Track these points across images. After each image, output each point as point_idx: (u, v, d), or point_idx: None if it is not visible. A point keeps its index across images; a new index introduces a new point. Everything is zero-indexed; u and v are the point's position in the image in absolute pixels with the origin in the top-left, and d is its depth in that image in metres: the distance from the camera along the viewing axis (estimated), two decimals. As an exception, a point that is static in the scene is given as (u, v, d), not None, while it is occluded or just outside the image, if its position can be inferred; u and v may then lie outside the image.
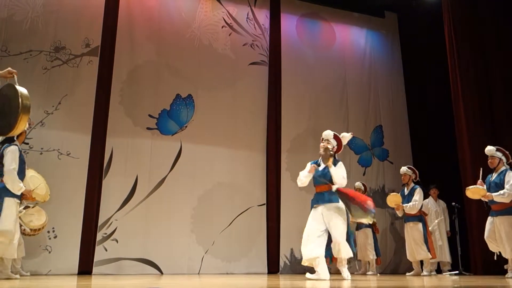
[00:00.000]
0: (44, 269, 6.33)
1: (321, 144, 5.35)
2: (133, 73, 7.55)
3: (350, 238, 5.12)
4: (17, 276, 4.92)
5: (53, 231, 6.48)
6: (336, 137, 5.41)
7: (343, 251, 4.96)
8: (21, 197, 4.90)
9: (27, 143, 6.59)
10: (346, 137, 5.46)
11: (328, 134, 5.39)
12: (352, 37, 9.55)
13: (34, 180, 5.33)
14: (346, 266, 5.09)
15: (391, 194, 7.08)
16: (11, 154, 4.72)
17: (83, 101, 7.08)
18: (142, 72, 7.63)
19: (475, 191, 5.76)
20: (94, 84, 7.19)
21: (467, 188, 5.88)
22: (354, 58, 9.33)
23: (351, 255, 5.06)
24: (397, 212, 7.00)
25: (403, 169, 7.14)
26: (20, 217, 5.36)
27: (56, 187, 6.58)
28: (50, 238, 6.46)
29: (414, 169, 7.14)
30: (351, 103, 9.03)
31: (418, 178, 7.08)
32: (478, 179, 5.92)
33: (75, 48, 7.24)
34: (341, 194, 5.03)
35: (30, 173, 5.31)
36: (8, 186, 4.65)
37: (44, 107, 6.89)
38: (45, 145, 6.76)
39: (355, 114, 9.00)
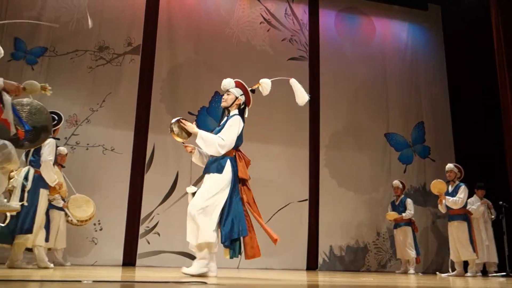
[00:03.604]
0: (91, 260, 6.59)
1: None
2: (173, 71, 7.71)
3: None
4: (52, 265, 5.11)
5: (99, 224, 6.73)
6: (240, 85, 4.20)
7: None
8: (49, 189, 5.03)
9: (74, 140, 6.87)
10: (265, 83, 4.28)
11: (228, 83, 4.17)
12: (392, 31, 9.37)
13: (58, 175, 5.48)
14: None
15: (438, 180, 6.80)
16: (50, 146, 4.85)
17: (126, 98, 7.30)
18: (182, 70, 7.77)
19: None
20: (136, 82, 7.41)
21: None
22: (395, 53, 9.15)
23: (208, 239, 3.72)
24: (439, 205, 6.81)
25: (450, 165, 6.95)
26: (67, 208, 5.59)
27: (101, 181, 6.84)
28: (96, 231, 6.71)
29: (461, 167, 6.94)
30: (391, 99, 8.87)
31: (462, 177, 6.90)
32: None
33: (118, 47, 7.47)
34: None
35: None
36: (45, 177, 4.77)
37: (89, 105, 7.15)
38: (90, 141, 7.02)
39: (395, 110, 8.84)
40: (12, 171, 4.43)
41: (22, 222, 4.61)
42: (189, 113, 7.62)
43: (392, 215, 7.58)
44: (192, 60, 7.86)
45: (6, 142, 3.10)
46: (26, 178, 4.75)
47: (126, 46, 7.52)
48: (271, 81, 4.30)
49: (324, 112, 8.33)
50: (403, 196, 7.78)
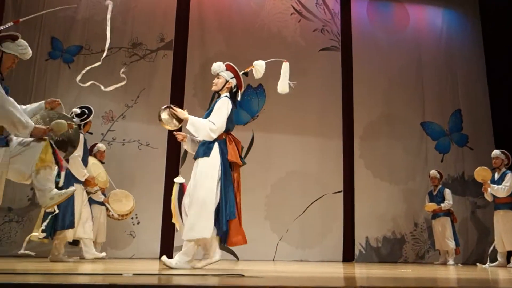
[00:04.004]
0: (129, 253, 6.75)
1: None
2: (205, 66, 7.74)
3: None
4: (104, 254, 5.26)
5: (136, 218, 6.88)
6: (230, 68, 4.11)
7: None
8: (84, 184, 5.13)
9: (111, 136, 7.03)
10: (258, 65, 4.16)
11: (218, 66, 4.10)
12: (427, 17, 9.12)
13: (95, 168, 5.59)
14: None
15: (482, 167, 6.55)
16: None
17: (159, 94, 7.40)
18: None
19: None
20: (169, 77, 7.50)
21: None
22: (430, 40, 8.91)
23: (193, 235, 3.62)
24: (485, 194, 6.60)
25: (496, 152, 6.71)
26: (108, 202, 5.74)
27: (138, 175, 6.99)
28: (133, 224, 6.86)
29: (508, 154, 6.71)
30: (427, 86, 8.66)
31: (510, 164, 6.67)
32: None
33: (151, 43, 7.57)
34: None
35: (91, 161, 5.49)
36: (73, 172, 4.89)
37: (124, 101, 7.29)
38: (126, 136, 7.17)
39: (431, 98, 8.63)
40: None
41: (63, 218, 4.76)
42: (222, 106, 7.66)
43: (430, 206, 7.42)
44: (224, 53, 7.87)
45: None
46: (58, 175, 4.91)
47: (159, 42, 7.61)
48: (266, 62, 4.19)
49: (358, 102, 8.22)
50: (440, 186, 7.61)
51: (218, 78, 4.04)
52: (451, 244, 7.25)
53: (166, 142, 7.27)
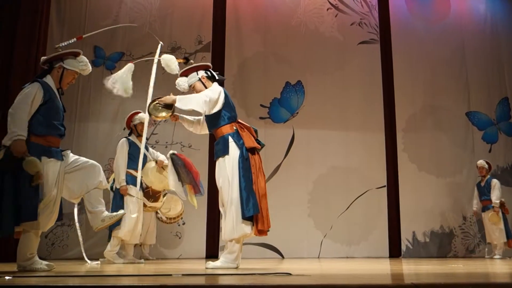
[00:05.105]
0: (176, 253, 6.89)
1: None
2: (243, 65, 7.80)
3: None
4: (142, 260, 5.33)
5: (181, 218, 7.00)
6: (184, 73, 4.31)
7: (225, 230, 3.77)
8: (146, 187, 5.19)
9: (154, 139, 7.19)
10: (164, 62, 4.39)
11: (180, 83, 4.27)
12: (469, 4, 8.80)
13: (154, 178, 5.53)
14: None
15: None
16: (118, 148, 5.16)
17: (199, 95, 7.50)
18: (251, 64, 7.84)
19: None
20: (206, 79, 7.58)
21: None
22: (473, 27, 8.60)
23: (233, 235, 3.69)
24: None
25: None
26: None
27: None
28: (179, 225, 6.99)
29: None
30: (472, 75, 8.38)
31: None
32: None
33: (189, 46, 7.68)
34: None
35: (150, 166, 5.35)
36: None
37: (166, 104, 7.42)
38: (169, 139, 7.30)
39: (476, 86, 8.35)
40: None
41: None
42: (261, 105, 7.70)
43: (495, 218, 7.10)
44: (261, 52, 7.90)
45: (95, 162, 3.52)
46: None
47: (197, 44, 7.71)
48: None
49: (399, 94, 8.06)
50: (489, 176, 7.36)
51: (193, 88, 4.12)
52: (500, 236, 7.00)
53: (208, 143, 7.37)
